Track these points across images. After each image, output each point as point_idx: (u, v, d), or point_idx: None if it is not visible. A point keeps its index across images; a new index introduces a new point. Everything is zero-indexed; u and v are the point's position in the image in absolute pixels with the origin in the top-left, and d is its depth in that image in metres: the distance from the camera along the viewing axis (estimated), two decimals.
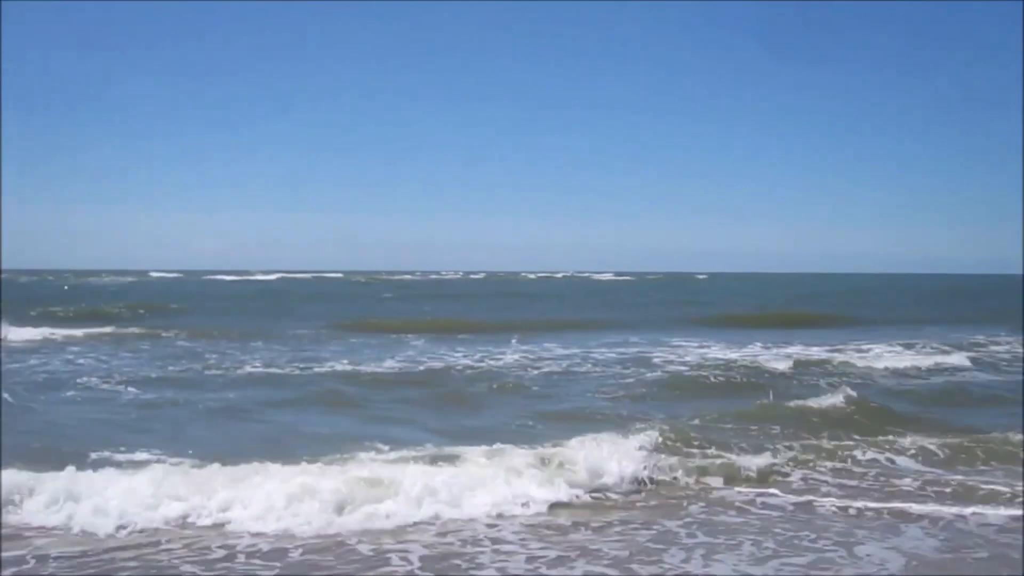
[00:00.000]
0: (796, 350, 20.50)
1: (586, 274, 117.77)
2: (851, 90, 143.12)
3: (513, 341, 22.11)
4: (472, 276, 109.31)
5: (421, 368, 17.24)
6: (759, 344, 21.87)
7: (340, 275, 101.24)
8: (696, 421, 11.42)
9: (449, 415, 12.57)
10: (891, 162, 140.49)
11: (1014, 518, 7.70)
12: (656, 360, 18.61)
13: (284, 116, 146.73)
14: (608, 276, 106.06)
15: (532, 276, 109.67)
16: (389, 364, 17.72)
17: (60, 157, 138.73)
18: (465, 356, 19.08)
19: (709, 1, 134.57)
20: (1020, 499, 8.25)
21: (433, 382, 15.47)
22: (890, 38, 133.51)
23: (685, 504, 8.25)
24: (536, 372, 16.86)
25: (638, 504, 8.29)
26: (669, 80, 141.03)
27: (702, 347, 21.36)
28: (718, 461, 9.35)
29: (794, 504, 8.25)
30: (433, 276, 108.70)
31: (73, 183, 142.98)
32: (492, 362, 18.19)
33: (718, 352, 20.26)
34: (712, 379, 15.79)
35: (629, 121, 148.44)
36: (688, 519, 7.75)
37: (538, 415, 12.31)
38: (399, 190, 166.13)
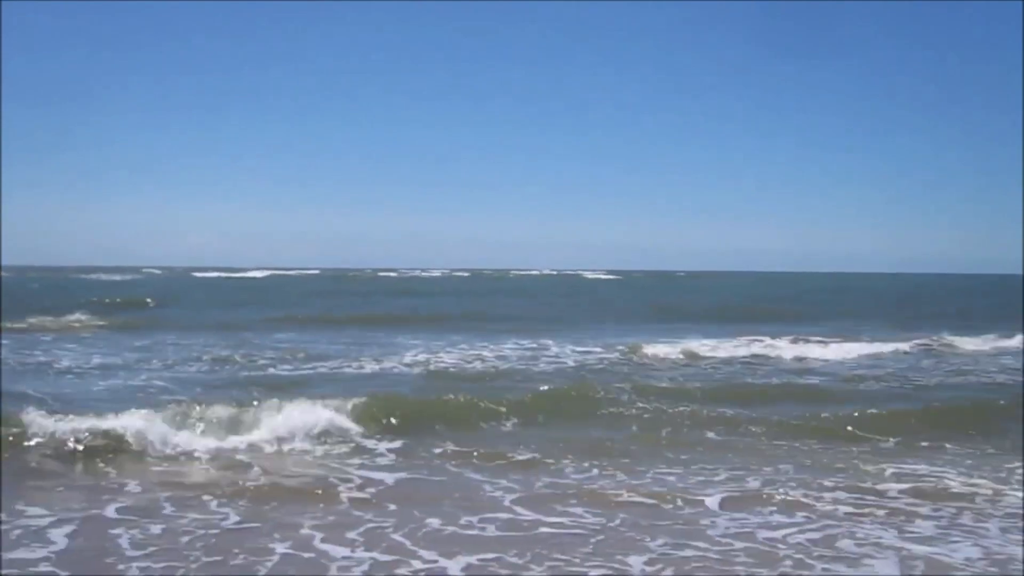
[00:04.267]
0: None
1: (572, 272, 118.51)
2: (850, 90, 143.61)
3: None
4: (456, 273, 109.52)
5: None
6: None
7: (316, 272, 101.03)
8: None
9: None
10: (890, 162, 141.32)
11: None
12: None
13: (276, 114, 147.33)
14: (598, 275, 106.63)
15: (519, 273, 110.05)
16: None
17: (55, 153, 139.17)
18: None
19: (706, 1, 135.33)
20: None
21: None
22: (889, 37, 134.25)
23: None
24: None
25: None
26: (667, 79, 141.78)
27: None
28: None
29: None
30: (419, 273, 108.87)
31: (66, 180, 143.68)
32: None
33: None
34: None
35: (625, 120, 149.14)
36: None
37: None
38: (386, 187, 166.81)
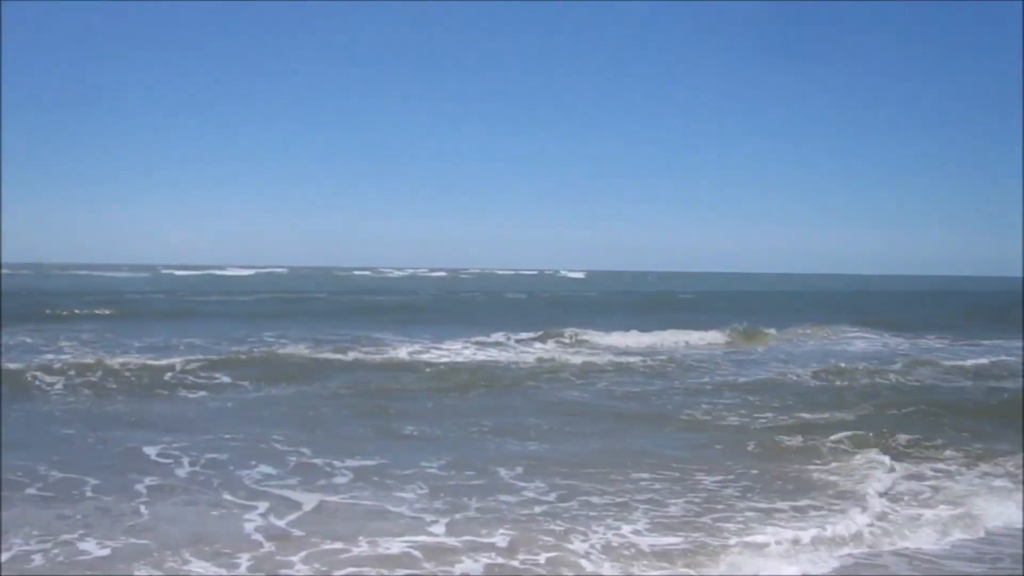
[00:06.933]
0: None
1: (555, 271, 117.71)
2: (850, 91, 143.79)
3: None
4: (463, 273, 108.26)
5: None
6: None
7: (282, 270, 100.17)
8: None
9: None
10: (890, 164, 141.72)
11: None
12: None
13: (271, 116, 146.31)
14: (579, 275, 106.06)
15: (503, 272, 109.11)
16: None
17: (56, 156, 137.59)
18: None
19: (708, 1, 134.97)
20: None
21: None
22: (890, 39, 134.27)
23: None
24: None
25: None
26: (664, 81, 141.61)
27: None
28: None
29: None
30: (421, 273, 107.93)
31: (67, 182, 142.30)
32: None
33: None
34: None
35: (621, 122, 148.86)
36: None
37: None
38: (367, 188, 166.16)
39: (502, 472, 8.76)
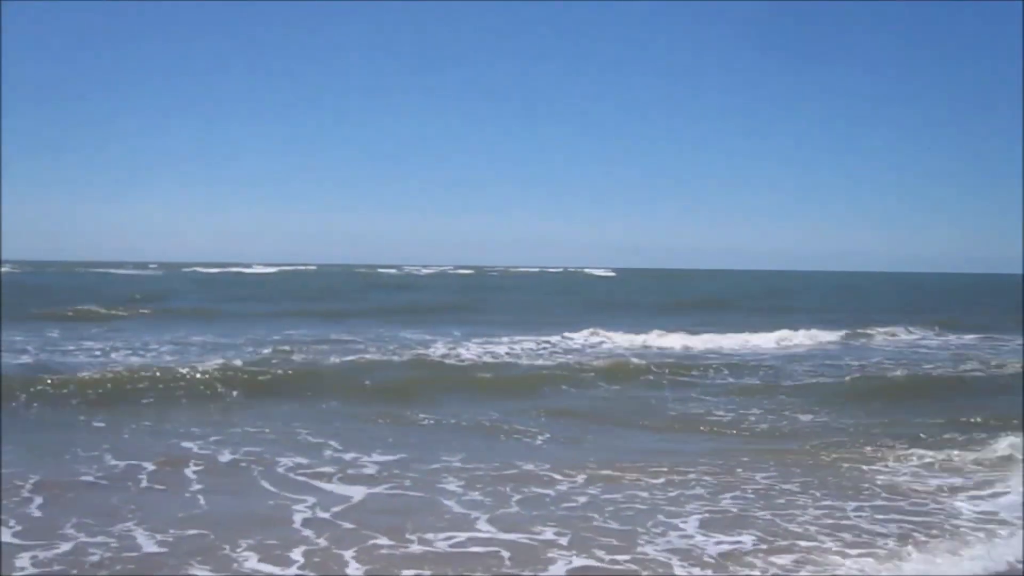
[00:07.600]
0: None
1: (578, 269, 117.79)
2: (850, 91, 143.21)
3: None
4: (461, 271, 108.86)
5: None
6: None
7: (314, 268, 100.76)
8: None
9: None
10: (890, 164, 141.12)
11: None
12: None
13: (277, 114, 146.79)
14: (608, 273, 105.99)
15: (528, 270, 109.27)
16: None
17: (61, 152, 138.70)
18: None
19: (708, 1, 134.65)
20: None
21: None
22: (890, 38, 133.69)
23: None
24: None
25: None
26: (665, 80, 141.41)
27: None
28: None
29: None
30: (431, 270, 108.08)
31: (74, 179, 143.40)
32: None
33: None
34: None
35: (622, 120, 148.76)
36: None
37: None
38: (391, 185, 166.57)
39: (531, 467, 8.63)
